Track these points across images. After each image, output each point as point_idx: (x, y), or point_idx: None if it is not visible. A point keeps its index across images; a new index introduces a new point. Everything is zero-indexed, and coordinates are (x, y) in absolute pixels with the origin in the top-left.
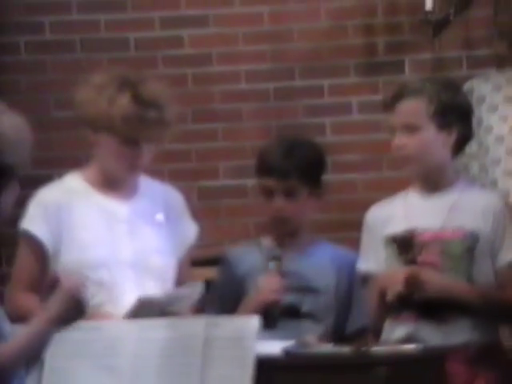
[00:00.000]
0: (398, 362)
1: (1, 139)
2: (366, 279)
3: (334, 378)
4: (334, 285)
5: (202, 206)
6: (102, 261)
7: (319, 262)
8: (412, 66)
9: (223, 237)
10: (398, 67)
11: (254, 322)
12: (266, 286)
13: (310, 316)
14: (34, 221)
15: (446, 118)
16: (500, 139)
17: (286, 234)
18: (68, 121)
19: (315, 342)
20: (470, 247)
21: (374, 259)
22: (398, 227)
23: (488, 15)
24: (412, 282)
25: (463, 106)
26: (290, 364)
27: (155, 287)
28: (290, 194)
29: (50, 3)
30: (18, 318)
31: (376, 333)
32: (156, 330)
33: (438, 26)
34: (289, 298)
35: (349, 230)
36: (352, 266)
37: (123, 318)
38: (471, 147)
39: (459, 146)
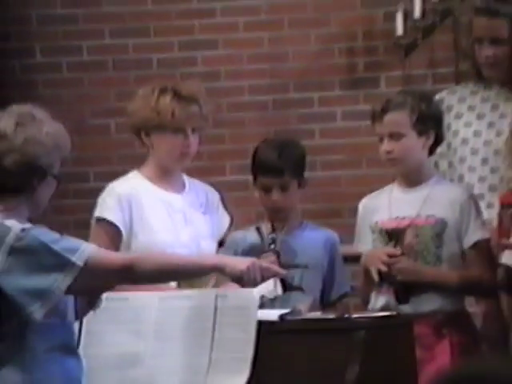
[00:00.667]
0: (375, 327)
1: (37, 146)
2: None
3: (321, 340)
4: (319, 260)
5: None
6: (167, 244)
7: (307, 242)
8: (386, 82)
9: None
10: (375, 83)
11: (255, 294)
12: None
13: (300, 288)
14: (111, 209)
15: (424, 125)
16: (465, 141)
17: (280, 220)
18: (100, 127)
19: (306, 310)
20: (439, 232)
21: (364, 242)
22: (383, 215)
23: (449, 40)
24: (389, 266)
25: (437, 114)
26: (285, 328)
27: None
28: (284, 188)
29: (87, 30)
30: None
31: (364, 302)
32: (174, 300)
33: (407, 48)
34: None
35: (334, 217)
36: (333, 243)
37: None
38: (441, 148)
39: (433, 148)
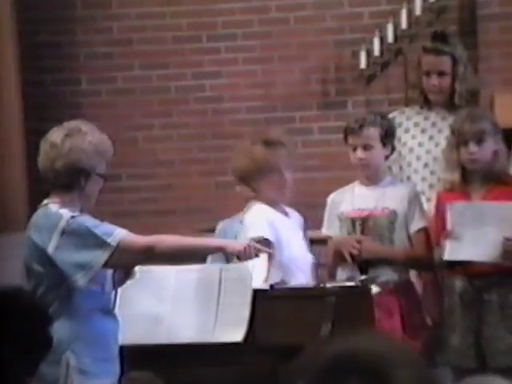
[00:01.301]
0: (343, 294)
1: (80, 152)
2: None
3: (302, 304)
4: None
5: (219, 193)
6: (300, 257)
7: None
8: (352, 105)
9: (230, 212)
10: (343, 105)
11: (250, 268)
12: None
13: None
14: (264, 228)
15: (387, 138)
16: (411, 150)
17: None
18: (130, 138)
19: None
20: (391, 221)
21: (332, 228)
22: (348, 207)
23: (400, 72)
24: (357, 248)
25: (394, 130)
26: (274, 295)
27: None
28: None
29: (120, 64)
30: None
31: (331, 275)
32: (188, 272)
33: (368, 79)
34: None
35: (311, 210)
36: (301, 226)
37: None
38: (393, 155)
39: (388, 156)
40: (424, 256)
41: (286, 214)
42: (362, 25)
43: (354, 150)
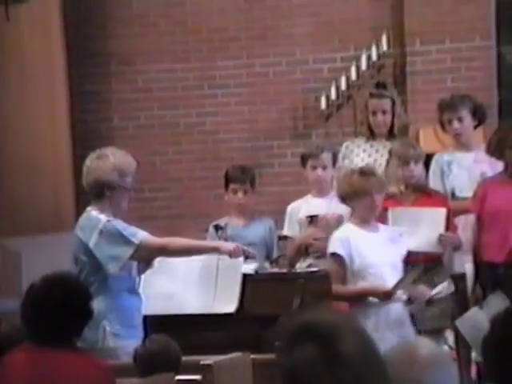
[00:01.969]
0: (309, 277)
1: (100, 171)
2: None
3: (279, 285)
4: (263, 240)
5: (216, 202)
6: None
7: (258, 229)
8: (316, 136)
9: (223, 215)
10: (309, 137)
11: (240, 259)
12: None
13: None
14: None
15: (335, 162)
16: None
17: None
18: (149, 163)
19: (268, 266)
20: (340, 223)
21: (292, 230)
22: (304, 213)
23: (351, 112)
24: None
25: (337, 156)
26: (258, 278)
27: None
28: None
29: (142, 106)
30: None
31: (291, 265)
32: (193, 261)
33: (327, 117)
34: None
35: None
36: (271, 227)
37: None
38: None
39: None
40: None
41: (375, 229)
42: (323, 77)
43: (314, 169)
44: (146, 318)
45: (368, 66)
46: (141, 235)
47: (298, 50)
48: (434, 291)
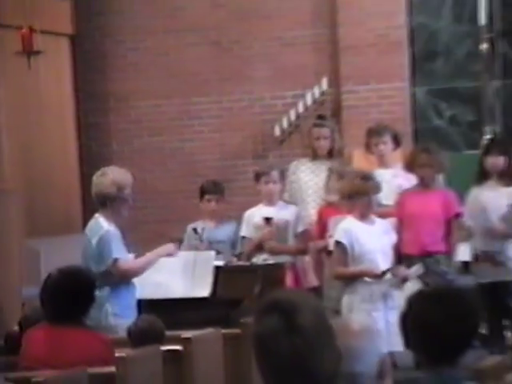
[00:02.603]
0: (266, 268)
1: (101, 185)
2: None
3: (243, 274)
4: (230, 238)
5: (196, 209)
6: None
7: (226, 230)
8: (272, 158)
9: (199, 219)
10: (267, 158)
11: (212, 254)
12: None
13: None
14: (342, 235)
15: (283, 179)
16: (306, 183)
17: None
18: (142, 180)
19: (234, 260)
20: (286, 227)
21: (248, 232)
22: (258, 219)
23: (299, 139)
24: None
25: (285, 174)
26: (227, 269)
27: None
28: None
29: (135, 134)
30: None
31: (249, 259)
32: (176, 257)
33: (281, 142)
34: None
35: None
36: (235, 229)
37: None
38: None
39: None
40: (306, 248)
41: (371, 222)
42: (277, 110)
43: (266, 184)
44: (139, 302)
45: (312, 101)
46: (116, 258)
47: (258, 89)
48: (409, 271)
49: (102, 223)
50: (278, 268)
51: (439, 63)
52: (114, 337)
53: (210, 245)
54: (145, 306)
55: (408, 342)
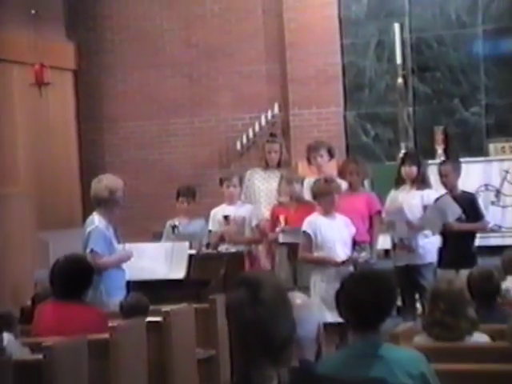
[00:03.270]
0: (231, 256)
1: (96, 189)
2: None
3: (210, 261)
4: (200, 232)
5: (174, 209)
6: (329, 239)
7: (197, 225)
8: (234, 167)
9: (175, 216)
10: (230, 167)
11: (186, 244)
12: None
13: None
14: (307, 226)
15: (241, 184)
16: (258, 188)
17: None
18: (131, 186)
19: (204, 250)
20: (243, 222)
21: (213, 226)
22: (220, 216)
23: (256, 151)
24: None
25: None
26: (198, 256)
27: None
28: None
29: (124, 149)
30: None
31: (215, 248)
32: (156, 246)
33: (240, 155)
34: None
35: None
36: (204, 224)
37: None
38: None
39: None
40: (257, 238)
41: (333, 218)
42: (238, 129)
43: (228, 187)
44: (128, 282)
45: (266, 122)
46: (94, 251)
47: (222, 112)
48: (359, 255)
49: (95, 220)
50: (239, 255)
51: (365, 93)
52: (107, 311)
53: (184, 237)
54: (133, 285)
55: (341, 313)
